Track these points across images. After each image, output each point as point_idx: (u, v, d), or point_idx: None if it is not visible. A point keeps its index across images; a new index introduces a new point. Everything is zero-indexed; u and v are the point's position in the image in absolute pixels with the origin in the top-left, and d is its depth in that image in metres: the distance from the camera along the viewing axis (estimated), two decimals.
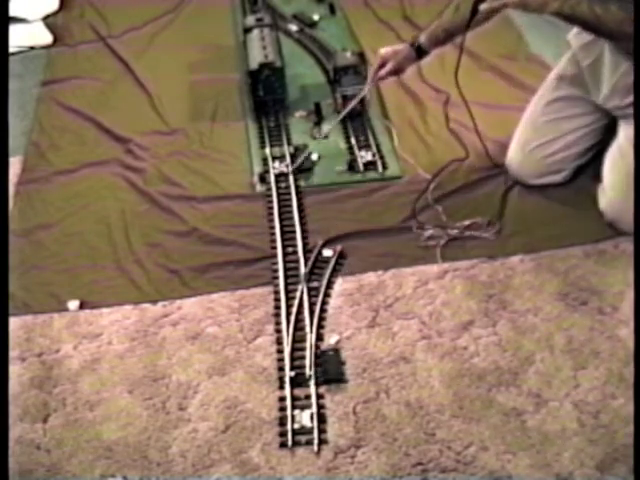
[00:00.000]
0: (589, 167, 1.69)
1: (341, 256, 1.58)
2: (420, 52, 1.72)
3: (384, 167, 1.83)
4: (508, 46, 2.26)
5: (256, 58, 2.02)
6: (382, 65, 1.76)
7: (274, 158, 1.89)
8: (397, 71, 1.78)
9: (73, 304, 1.53)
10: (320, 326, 1.44)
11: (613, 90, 1.52)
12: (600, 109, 1.60)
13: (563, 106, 1.64)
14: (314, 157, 1.88)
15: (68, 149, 2.01)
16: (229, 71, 2.29)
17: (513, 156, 1.72)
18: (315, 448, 1.22)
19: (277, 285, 1.53)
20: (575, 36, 1.58)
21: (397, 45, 1.76)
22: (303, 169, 1.84)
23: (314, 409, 1.28)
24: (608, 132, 1.63)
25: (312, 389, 1.31)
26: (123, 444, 1.26)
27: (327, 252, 1.59)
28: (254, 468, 1.21)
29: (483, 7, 1.33)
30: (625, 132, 1.54)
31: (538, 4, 1.29)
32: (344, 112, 1.90)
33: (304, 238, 1.64)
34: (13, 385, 1.37)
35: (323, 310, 1.47)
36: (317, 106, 2.03)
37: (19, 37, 2.52)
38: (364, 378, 1.33)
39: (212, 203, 1.77)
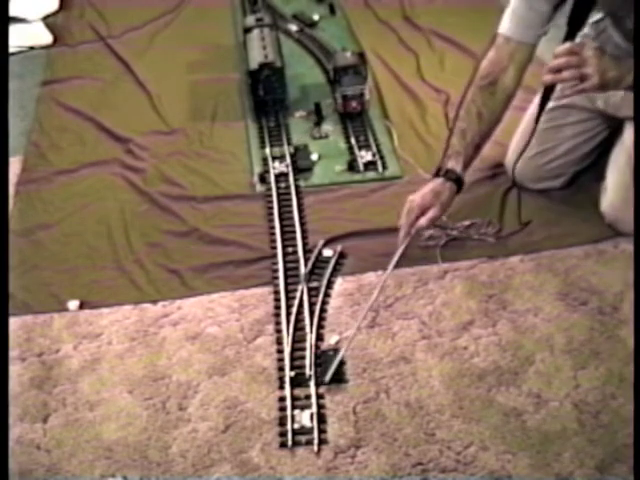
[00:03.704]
0: (590, 168, 1.69)
1: (341, 256, 1.58)
2: (459, 182, 1.45)
3: (384, 167, 1.83)
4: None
5: (256, 58, 2.02)
6: (422, 213, 1.41)
7: (274, 158, 1.89)
8: (441, 215, 1.44)
9: (73, 304, 1.53)
10: (320, 326, 1.44)
11: (624, 98, 1.47)
12: (601, 115, 1.58)
13: (563, 113, 1.62)
14: (314, 157, 1.88)
15: (68, 149, 2.01)
16: (229, 71, 2.29)
17: (511, 161, 1.69)
18: (315, 448, 1.22)
19: (277, 285, 1.52)
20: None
21: (430, 185, 1.43)
22: (303, 169, 1.85)
23: (314, 409, 1.28)
24: (608, 137, 1.62)
25: (312, 389, 1.31)
26: (123, 444, 1.26)
27: (327, 252, 1.59)
28: (254, 468, 1.21)
29: (558, 97, 1.25)
30: (630, 134, 1.52)
31: (615, 82, 1.24)
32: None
33: (304, 238, 1.64)
34: (13, 385, 1.37)
35: (323, 310, 1.47)
36: (317, 106, 2.03)
37: (19, 37, 2.53)
38: (364, 378, 1.33)
39: (212, 203, 1.77)
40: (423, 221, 1.40)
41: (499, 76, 1.43)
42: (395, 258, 1.41)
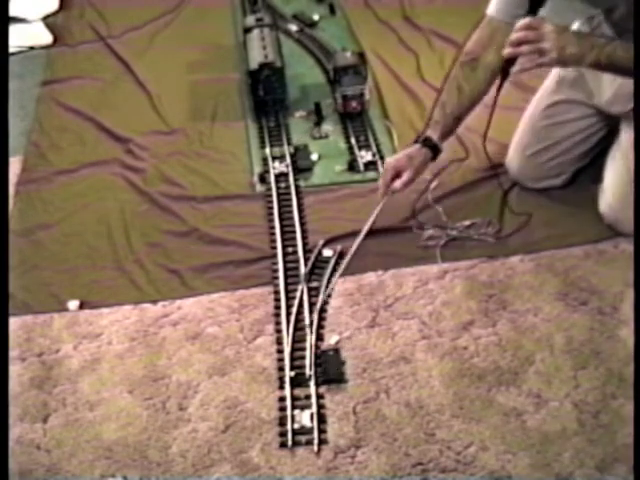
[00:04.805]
0: (589, 168, 1.69)
1: (341, 256, 1.58)
2: (434, 150, 1.52)
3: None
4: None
5: (256, 58, 2.02)
6: (396, 176, 1.50)
7: (274, 158, 1.89)
8: (414, 179, 1.52)
9: (73, 304, 1.53)
10: (320, 326, 1.44)
11: (616, 94, 1.51)
12: (600, 112, 1.59)
13: (563, 109, 1.63)
14: (314, 157, 1.88)
15: (68, 149, 2.01)
16: (229, 71, 2.29)
17: (512, 160, 1.71)
18: (315, 448, 1.22)
19: (277, 285, 1.52)
20: None
21: (406, 150, 1.53)
22: (303, 169, 1.85)
23: (314, 409, 1.28)
24: (608, 135, 1.62)
25: (312, 389, 1.31)
26: (123, 444, 1.26)
27: (327, 252, 1.59)
28: (254, 468, 1.21)
29: (516, 70, 1.28)
30: (627, 134, 1.53)
31: (575, 59, 1.26)
32: (367, 224, 1.55)
33: (304, 238, 1.64)
34: (13, 385, 1.37)
35: (323, 310, 1.47)
36: (317, 106, 2.03)
37: (19, 37, 2.53)
38: (364, 378, 1.33)
39: (212, 203, 1.77)
40: (397, 184, 1.49)
41: (481, 54, 1.48)
42: (373, 215, 1.53)
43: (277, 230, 1.66)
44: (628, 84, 1.45)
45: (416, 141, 1.53)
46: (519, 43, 1.25)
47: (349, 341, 1.40)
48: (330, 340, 1.41)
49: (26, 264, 1.64)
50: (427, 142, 1.51)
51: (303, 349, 1.39)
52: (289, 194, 1.77)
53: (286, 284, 1.52)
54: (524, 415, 1.25)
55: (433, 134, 1.51)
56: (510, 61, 1.29)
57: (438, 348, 1.37)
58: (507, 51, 1.27)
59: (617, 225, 1.55)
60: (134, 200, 1.81)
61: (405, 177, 1.48)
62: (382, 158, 1.85)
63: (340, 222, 1.67)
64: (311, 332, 1.41)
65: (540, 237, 1.59)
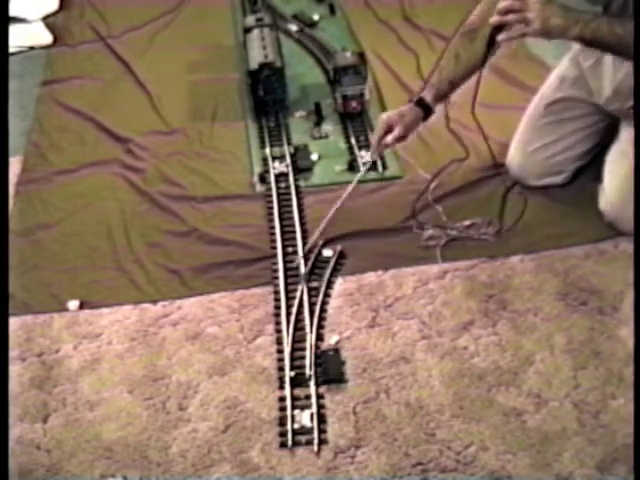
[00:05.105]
0: (589, 168, 1.69)
1: (341, 256, 1.58)
2: (426, 110, 1.58)
3: (384, 167, 1.83)
4: (508, 46, 2.26)
5: (256, 58, 2.02)
6: (388, 131, 1.57)
7: (274, 158, 1.89)
8: (405, 136, 1.60)
9: (73, 304, 1.53)
10: (320, 326, 1.44)
11: (615, 92, 1.52)
12: (601, 110, 1.60)
13: (564, 107, 1.64)
14: (314, 157, 1.88)
15: (68, 149, 2.01)
16: (229, 71, 2.29)
17: (513, 157, 1.72)
18: (315, 448, 1.22)
19: (277, 285, 1.52)
20: None
21: (401, 107, 1.61)
22: (303, 169, 1.85)
23: (314, 409, 1.28)
24: (609, 133, 1.63)
25: (312, 389, 1.31)
26: (123, 444, 1.26)
27: (327, 252, 1.59)
28: (254, 468, 1.21)
29: (501, 38, 1.30)
30: (626, 133, 1.54)
31: (559, 31, 1.27)
32: (359, 175, 1.67)
33: (304, 238, 1.64)
34: (13, 385, 1.37)
35: (323, 310, 1.47)
36: (317, 106, 2.03)
37: (19, 37, 2.53)
38: (364, 378, 1.33)
39: (212, 203, 1.77)
40: (388, 138, 1.57)
41: (480, 25, 1.49)
42: (362, 170, 1.71)
43: (277, 230, 1.66)
44: (627, 81, 1.46)
45: (410, 101, 1.59)
46: (506, 12, 1.27)
47: (349, 341, 1.40)
48: (330, 340, 1.41)
49: (26, 264, 1.64)
50: (420, 102, 1.57)
51: (303, 349, 1.39)
52: (289, 194, 1.77)
53: (286, 284, 1.52)
54: (524, 415, 1.25)
55: (427, 95, 1.57)
56: (498, 29, 1.31)
57: (438, 348, 1.37)
58: (494, 19, 1.29)
59: (617, 223, 1.55)
60: (134, 200, 1.81)
61: (396, 132, 1.56)
62: (382, 158, 1.85)
63: (340, 222, 1.67)
64: (311, 332, 1.41)
65: (540, 237, 1.59)
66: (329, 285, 1.52)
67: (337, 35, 2.42)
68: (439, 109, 1.96)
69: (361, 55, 2.00)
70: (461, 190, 1.73)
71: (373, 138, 1.62)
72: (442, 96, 1.58)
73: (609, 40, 1.28)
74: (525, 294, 1.47)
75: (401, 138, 1.58)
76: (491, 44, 1.36)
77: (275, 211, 1.71)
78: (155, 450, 1.25)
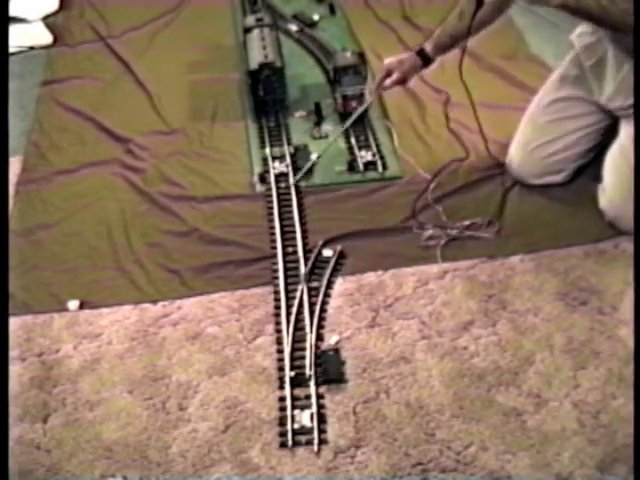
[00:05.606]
0: (589, 167, 1.69)
1: (341, 256, 1.58)
2: (425, 60, 1.73)
3: (384, 167, 1.83)
4: (508, 46, 2.26)
5: (256, 58, 2.02)
6: (387, 75, 1.77)
7: (274, 158, 1.89)
8: (403, 80, 1.79)
9: (73, 304, 1.53)
10: (320, 326, 1.44)
11: (616, 91, 1.52)
12: (602, 110, 1.60)
13: (565, 106, 1.64)
14: (314, 157, 1.88)
15: (68, 149, 2.01)
16: (229, 71, 2.29)
17: (514, 156, 1.72)
18: (315, 448, 1.22)
19: (277, 285, 1.52)
20: (578, 37, 1.58)
21: (402, 54, 1.77)
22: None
23: (314, 409, 1.28)
24: (609, 133, 1.63)
25: (312, 389, 1.31)
26: (123, 444, 1.26)
27: (327, 252, 1.59)
28: (254, 468, 1.21)
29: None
30: (626, 132, 1.54)
31: None
32: (351, 119, 1.89)
33: (304, 238, 1.64)
34: (13, 385, 1.37)
35: (323, 310, 1.47)
36: (317, 106, 2.03)
37: (19, 37, 2.52)
38: (364, 378, 1.33)
39: (212, 203, 1.77)
40: (387, 82, 1.78)
41: None
42: (359, 110, 1.90)
43: (277, 230, 1.66)
44: (628, 80, 1.47)
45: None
46: None
47: (349, 341, 1.40)
48: (330, 340, 1.41)
49: (26, 264, 1.64)
50: (420, 52, 1.72)
51: (303, 349, 1.39)
52: (289, 194, 1.77)
53: (286, 284, 1.52)
54: (524, 415, 1.25)
55: (428, 46, 1.71)
56: None
57: (438, 348, 1.38)
58: None
59: (617, 222, 1.55)
60: (134, 200, 1.81)
61: (394, 77, 1.76)
62: (382, 158, 1.85)
63: (340, 222, 1.67)
64: (311, 332, 1.41)
65: (540, 237, 1.59)
66: (329, 285, 1.52)
67: (337, 35, 2.41)
68: (438, 106, 1.98)
69: (361, 55, 2.00)
70: (461, 190, 1.73)
71: (375, 81, 1.83)
72: (442, 48, 1.70)
73: (593, 11, 1.29)
74: (525, 294, 1.47)
75: (399, 82, 1.77)
76: (479, 4, 1.41)
77: (275, 211, 1.71)
78: (155, 450, 1.25)
